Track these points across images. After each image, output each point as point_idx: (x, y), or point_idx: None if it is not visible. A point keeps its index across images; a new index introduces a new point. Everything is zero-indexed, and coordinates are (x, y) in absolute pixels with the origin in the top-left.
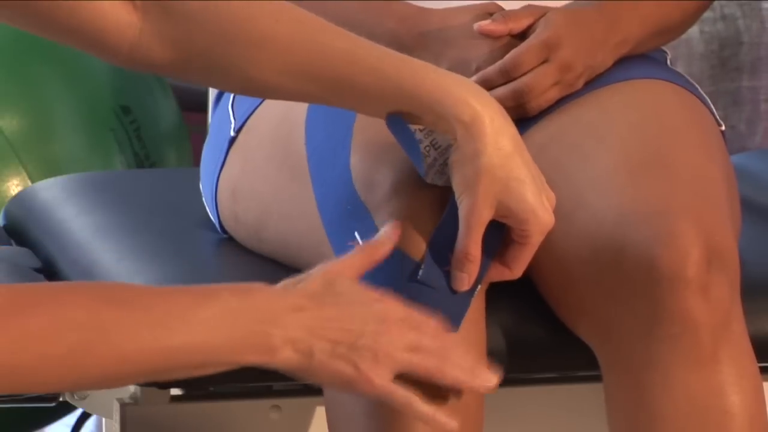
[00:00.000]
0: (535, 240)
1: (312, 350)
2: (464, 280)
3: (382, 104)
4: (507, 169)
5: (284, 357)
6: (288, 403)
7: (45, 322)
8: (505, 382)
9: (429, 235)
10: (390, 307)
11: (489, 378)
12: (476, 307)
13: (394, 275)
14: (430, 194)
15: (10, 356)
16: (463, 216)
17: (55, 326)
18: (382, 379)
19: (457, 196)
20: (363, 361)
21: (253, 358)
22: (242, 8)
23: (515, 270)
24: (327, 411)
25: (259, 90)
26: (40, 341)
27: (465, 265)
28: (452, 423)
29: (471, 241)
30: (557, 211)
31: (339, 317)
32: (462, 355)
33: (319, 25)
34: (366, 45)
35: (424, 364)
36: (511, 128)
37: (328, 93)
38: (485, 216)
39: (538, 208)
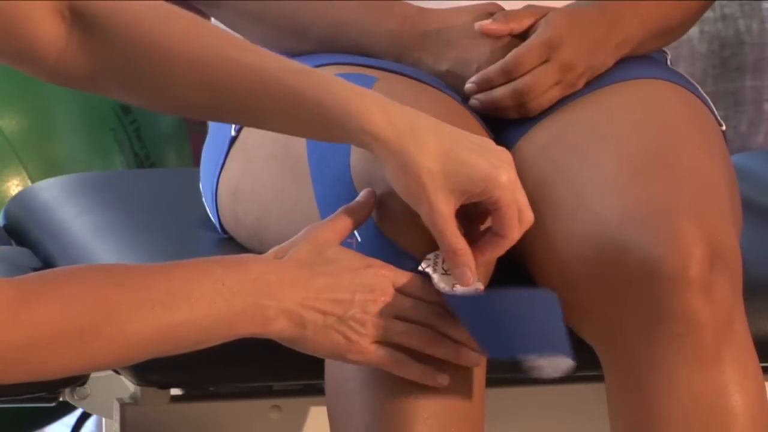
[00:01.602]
0: (506, 199)
1: (304, 321)
2: (466, 273)
3: (291, 119)
4: (442, 161)
5: (278, 327)
6: (288, 403)
7: (54, 311)
8: (506, 382)
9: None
10: (379, 273)
11: (472, 359)
12: None
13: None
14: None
15: (24, 349)
16: (429, 222)
17: (63, 314)
18: (372, 347)
19: (412, 205)
20: (353, 332)
21: (249, 330)
22: (156, 24)
23: (508, 235)
24: (328, 410)
25: (174, 105)
26: (51, 330)
27: (458, 260)
28: (443, 376)
29: (449, 240)
30: (558, 212)
31: (330, 287)
32: (449, 324)
33: (230, 42)
34: (274, 59)
35: (411, 334)
36: (426, 120)
37: (237, 109)
38: (448, 213)
39: (488, 173)
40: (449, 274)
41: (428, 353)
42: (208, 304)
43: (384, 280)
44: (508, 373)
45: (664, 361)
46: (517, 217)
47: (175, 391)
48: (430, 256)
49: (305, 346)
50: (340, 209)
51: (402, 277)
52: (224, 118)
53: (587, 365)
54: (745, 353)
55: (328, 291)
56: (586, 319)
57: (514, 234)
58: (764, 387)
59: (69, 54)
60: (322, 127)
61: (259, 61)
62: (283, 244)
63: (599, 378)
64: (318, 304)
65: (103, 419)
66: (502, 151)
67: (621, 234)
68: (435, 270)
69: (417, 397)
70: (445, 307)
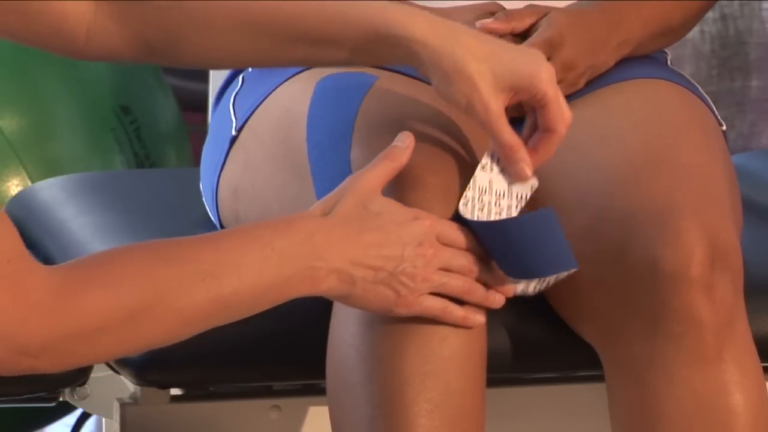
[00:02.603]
0: (551, 93)
1: (354, 278)
2: (524, 168)
3: (339, 46)
4: (488, 61)
5: (328, 287)
6: (288, 403)
7: (103, 296)
8: (506, 382)
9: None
10: (425, 224)
11: (498, 301)
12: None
13: None
14: (429, 189)
15: (76, 337)
16: (483, 122)
17: (112, 298)
18: (419, 299)
19: (463, 109)
20: (403, 286)
21: (299, 291)
22: None
23: (557, 129)
24: (330, 405)
25: (216, 56)
26: (101, 315)
27: (515, 155)
28: (480, 316)
29: (506, 136)
30: (559, 210)
31: (379, 243)
32: (483, 270)
33: None
34: None
35: (453, 284)
36: (463, 26)
37: (279, 47)
38: (501, 111)
39: (531, 70)
40: (504, 175)
41: (465, 299)
42: (257, 271)
43: (430, 231)
44: (508, 373)
45: (665, 361)
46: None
47: (175, 391)
48: (485, 161)
49: (354, 302)
50: (380, 155)
51: (445, 227)
52: (264, 61)
53: (587, 365)
54: (745, 352)
55: (378, 247)
56: (587, 319)
57: (561, 127)
58: (765, 386)
59: (100, 24)
60: (373, 46)
61: None
62: (328, 196)
63: (599, 378)
64: (368, 260)
65: (103, 419)
66: (536, 51)
67: (622, 233)
68: (491, 170)
69: (420, 391)
70: (478, 254)
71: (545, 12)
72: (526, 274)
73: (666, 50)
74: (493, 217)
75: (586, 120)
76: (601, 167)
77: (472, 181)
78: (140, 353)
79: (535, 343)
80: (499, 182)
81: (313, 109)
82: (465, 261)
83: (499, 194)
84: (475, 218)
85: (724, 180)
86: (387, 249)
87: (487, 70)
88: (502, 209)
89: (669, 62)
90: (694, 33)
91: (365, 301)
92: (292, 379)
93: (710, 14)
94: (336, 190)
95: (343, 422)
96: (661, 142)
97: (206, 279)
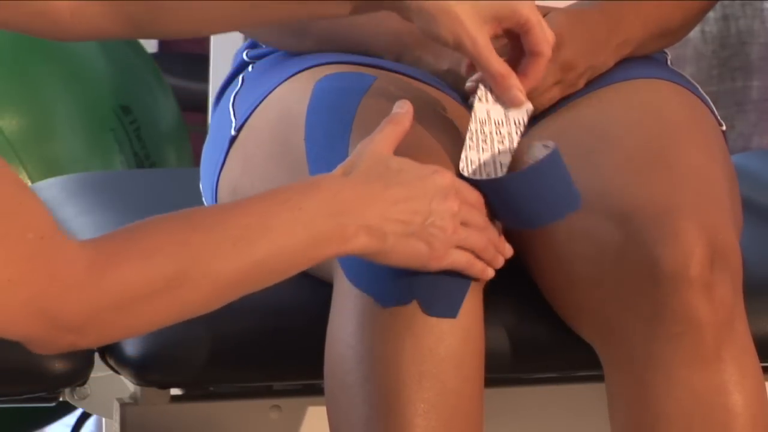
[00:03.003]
0: (533, 17)
1: (385, 234)
2: (516, 94)
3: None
4: None
5: (359, 244)
6: (288, 403)
7: (139, 266)
8: (506, 382)
9: None
10: (446, 176)
11: (500, 262)
12: (474, 302)
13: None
14: None
15: (116, 308)
16: (473, 55)
17: (148, 267)
18: (448, 251)
19: (454, 46)
20: (435, 239)
21: (331, 250)
22: None
23: (542, 51)
24: (327, 405)
25: (196, 22)
26: (139, 285)
27: (507, 82)
28: (492, 271)
29: (495, 65)
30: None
31: (406, 197)
32: (493, 229)
33: None
34: None
35: (473, 239)
36: None
37: (266, 11)
38: (487, 41)
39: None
40: (499, 103)
41: (480, 256)
42: (287, 232)
43: (452, 184)
44: (507, 373)
45: (664, 360)
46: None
47: (175, 391)
48: (480, 93)
49: (386, 258)
50: (384, 121)
51: (462, 184)
52: (247, 21)
53: (587, 365)
54: (745, 352)
55: (405, 201)
56: (587, 318)
57: (546, 49)
58: (764, 386)
59: (83, 2)
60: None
61: None
62: (347, 159)
63: (599, 378)
64: (397, 215)
65: (103, 419)
66: None
67: (621, 233)
68: (487, 101)
69: (416, 391)
70: (485, 214)
71: (545, 12)
72: (534, 224)
73: (666, 50)
74: (496, 147)
75: (586, 120)
76: (600, 167)
77: (472, 114)
78: (173, 323)
79: (535, 343)
80: (496, 111)
81: (311, 109)
82: (481, 218)
83: (498, 123)
84: (478, 176)
85: (723, 180)
86: (414, 203)
87: (469, 5)
88: (503, 137)
89: (669, 62)
90: (695, 33)
91: (398, 256)
92: (292, 379)
93: (711, 14)
94: (352, 155)
95: (341, 422)
96: (660, 142)
97: (238, 243)
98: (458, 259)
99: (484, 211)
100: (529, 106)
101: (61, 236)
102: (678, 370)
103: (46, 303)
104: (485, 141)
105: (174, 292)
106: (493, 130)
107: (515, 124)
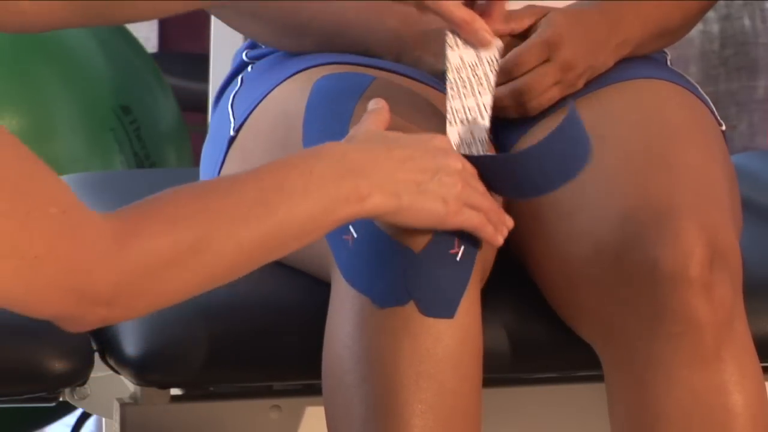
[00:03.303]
0: None
1: (399, 191)
2: (484, 35)
3: None
4: None
5: (374, 203)
6: (288, 403)
7: (161, 233)
8: (505, 382)
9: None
10: (443, 139)
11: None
12: (472, 301)
13: (397, 267)
14: None
15: (143, 276)
16: (436, 9)
17: (170, 234)
18: (462, 210)
19: (417, 8)
20: (448, 194)
21: (347, 212)
22: None
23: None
24: (325, 405)
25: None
26: (163, 252)
27: (472, 25)
28: (501, 238)
29: (458, 12)
30: (558, 211)
31: (410, 157)
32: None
33: None
34: None
35: (480, 199)
36: None
37: None
38: None
39: None
40: (469, 46)
41: (489, 218)
42: (302, 194)
43: (449, 144)
44: (507, 373)
45: (664, 361)
46: None
47: (175, 391)
48: (449, 41)
49: (404, 218)
50: (365, 114)
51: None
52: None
53: (587, 365)
54: (744, 352)
55: (411, 160)
56: (586, 319)
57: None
58: (764, 386)
59: None
60: None
61: None
62: (347, 137)
63: (599, 378)
64: (407, 173)
65: (103, 419)
66: None
67: (621, 233)
68: (458, 47)
69: (414, 391)
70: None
71: (544, 12)
72: (544, 192)
73: (666, 50)
74: (476, 90)
75: (586, 121)
76: (600, 167)
77: (447, 64)
78: (199, 292)
79: (535, 343)
80: (468, 54)
81: (309, 108)
82: (480, 185)
83: (473, 65)
84: (469, 152)
85: (723, 180)
86: (419, 161)
87: None
88: (480, 78)
89: (669, 62)
90: (696, 33)
91: (415, 215)
92: (292, 379)
93: (713, 14)
94: (347, 137)
95: (339, 423)
96: (660, 143)
97: (254, 207)
98: (472, 217)
99: (479, 180)
100: (499, 44)
101: (83, 208)
102: (678, 370)
103: (75, 277)
104: (465, 86)
105: (197, 257)
106: (469, 73)
107: (488, 63)
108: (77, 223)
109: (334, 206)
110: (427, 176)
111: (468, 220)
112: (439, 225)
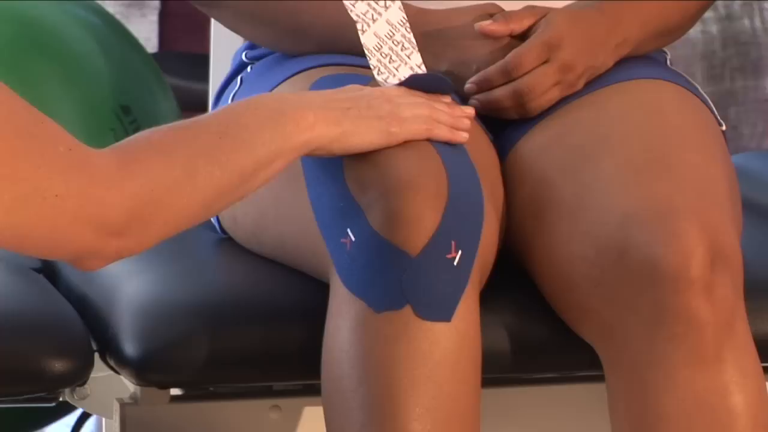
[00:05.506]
0: None
1: (338, 119)
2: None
3: None
4: None
5: (320, 131)
6: (288, 403)
7: (158, 161)
8: (505, 382)
9: (422, 229)
10: (382, 89)
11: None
12: (470, 304)
13: (393, 272)
14: (420, 192)
15: (148, 201)
16: None
17: (166, 160)
18: (408, 117)
19: None
20: (383, 111)
21: (299, 139)
22: None
23: None
24: (324, 409)
25: None
26: (162, 175)
27: None
28: (465, 134)
29: None
30: (559, 212)
31: (335, 94)
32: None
33: None
34: None
35: (418, 108)
36: None
37: None
38: None
39: None
40: (376, 20)
41: (439, 119)
42: (258, 124)
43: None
44: (507, 373)
45: (665, 361)
46: None
47: (175, 391)
48: (358, 26)
49: (351, 141)
50: None
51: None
52: None
53: (587, 365)
54: (746, 353)
55: (335, 96)
56: (587, 319)
57: None
58: (765, 387)
59: None
60: None
61: None
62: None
63: (599, 378)
64: (340, 102)
65: (103, 419)
66: None
67: (622, 234)
68: (368, 26)
69: (411, 395)
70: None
71: (544, 13)
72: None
73: (666, 50)
74: (402, 55)
75: (586, 121)
76: (601, 168)
77: (365, 51)
78: (204, 218)
79: (535, 343)
80: (379, 27)
81: None
82: (416, 96)
83: (389, 35)
84: (391, 81)
85: (723, 180)
86: (342, 94)
87: None
88: (401, 42)
89: (668, 62)
90: (696, 33)
91: (361, 138)
92: (292, 379)
93: (712, 14)
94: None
95: (337, 427)
96: (660, 143)
97: (222, 138)
98: (416, 125)
99: (412, 93)
100: (398, 2)
101: (84, 145)
102: (678, 370)
103: (92, 209)
104: (392, 60)
105: (193, 181)
106: (389, 44)
107: (400, 23)
108: (84, 158)
109: (291, 133)
110: (355, 103)
111: (413, 127)
112: (387, 142)
